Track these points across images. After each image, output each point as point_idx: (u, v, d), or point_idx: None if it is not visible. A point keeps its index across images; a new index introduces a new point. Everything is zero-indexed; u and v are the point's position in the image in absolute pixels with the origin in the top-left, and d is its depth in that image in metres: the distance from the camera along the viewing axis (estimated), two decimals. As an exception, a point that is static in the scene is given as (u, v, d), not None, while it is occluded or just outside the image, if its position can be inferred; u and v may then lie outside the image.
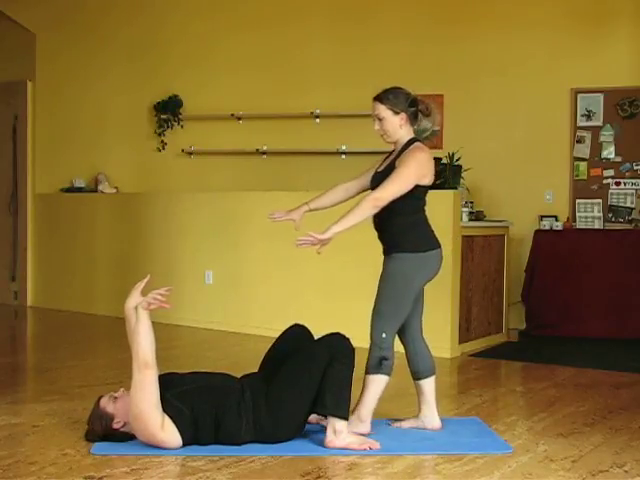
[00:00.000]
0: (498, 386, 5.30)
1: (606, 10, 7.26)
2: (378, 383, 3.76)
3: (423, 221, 3.86)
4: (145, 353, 3.45)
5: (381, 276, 3.80)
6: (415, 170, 3.67)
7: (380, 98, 3.77)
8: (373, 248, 6.38)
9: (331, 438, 3.54)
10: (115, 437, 3.55)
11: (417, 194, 3.74)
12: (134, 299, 3.64)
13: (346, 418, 3.57)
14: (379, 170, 3.87)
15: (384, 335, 3.73)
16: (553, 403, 4.52)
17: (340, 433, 3.54)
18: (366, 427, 3.76)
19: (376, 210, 3.63)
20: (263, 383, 3.61)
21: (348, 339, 3.65)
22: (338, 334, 3.67)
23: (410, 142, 3.79)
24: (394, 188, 3.63)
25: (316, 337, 3.76)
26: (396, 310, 3.76)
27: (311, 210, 4.02)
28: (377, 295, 3.79)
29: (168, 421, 3.43)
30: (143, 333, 3.49)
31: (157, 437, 3.42)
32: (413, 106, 3.77)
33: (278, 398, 3.52)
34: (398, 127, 3.77)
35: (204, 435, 3.49)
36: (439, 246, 3.86)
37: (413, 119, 3.80)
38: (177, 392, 3.50)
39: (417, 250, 3.75)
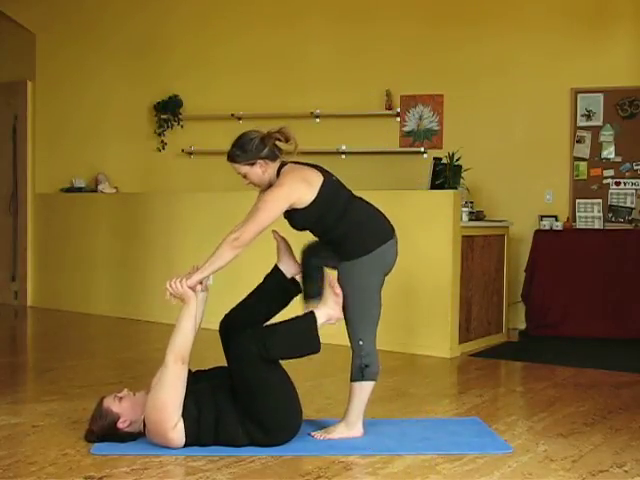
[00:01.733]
0: (498, 386, 5.30)
1: (606, 11, 7.26)
2: (363, 390, 3.72)
3: (358, 221, 3.67)
4: (187, 348, 3.46)
5: (338, 281, 3.67)
6: (271, 207, 3.50)
7: (231, 158, 3.64)
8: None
9: (334, 321, 3.59)
10: (115, 437, 3.54)
11: (314, 213, 3.58)
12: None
13: (313, 316, 3.54)
14: None
15: (361, 342, 3.68)
16: (553, 403, 4.52)
17: (330, 316, 3.56)
18: (357, 431, 3.75)
19: (238, 252, 3.46)
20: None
21: (243, 331, 3.54)
22: (238, 339, 3.53)
23: (278, 174, 3.64)
24: (253, 228, 3.48)
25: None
26: (366, 315, 3.69)
27: None
28: (343, 304, 3.69)
29: (180, 421, 3.43)
30: (191, 326, 3.50)
31: (167, 435, 3.43)
32: (265, 146, 3.61)
33: (258, 417, 3.48)
34: (262, 174, 3.64)
35: (205, 435, 3.49)
36: (391, 237, 3.73)
37: (272, 156, 3.63)
38: (189, 392, 3.49)
39: (367, 252, 3.64)
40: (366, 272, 3.67)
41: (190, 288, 3.56)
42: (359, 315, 3.69)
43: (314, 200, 3.58)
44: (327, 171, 3.74)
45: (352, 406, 3.74)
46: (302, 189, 3.57)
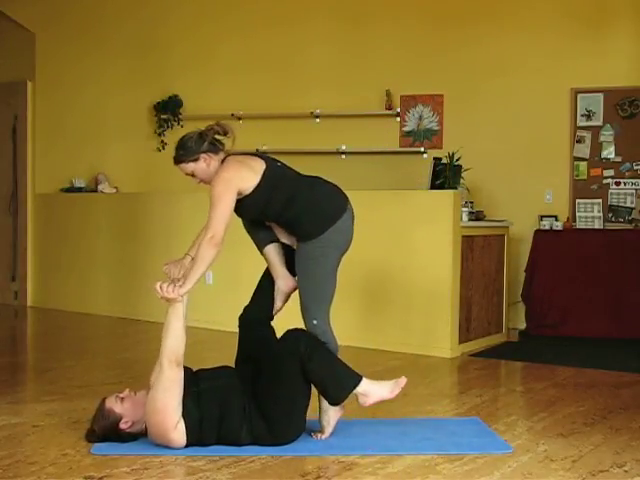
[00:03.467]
0: (498, 386, 5.30)
1: (606, 10, 7.26)
2: None
3: (310, 200, 3.71)
4: (181, 349, 3.46)
5: (296, 263, 3.74)
6: (223, 194, 3.58)
7: (177, 160, 3.77)
8: (373, 250, 6.39)
9: (363, 400, 3.59)
10: (117, 438, 3.54)
11: (262, 197, 3.64)
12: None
13: (360, 379, 3.57)
14: None
15: (315, 322, 3.69)
16: (553, 403, 4.52)
17: (368, 394, 3.57)
18: (336, 411, 3.69)
19: (219, 248, 3.53)
20: (250, 388, 3.59)
21: (303, 330, 3.64)
22: (294, 332, 3.61)
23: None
24: (219, 224, 3.55)
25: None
26: (321, 296, 3.71)
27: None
28: (298, 286, 3.75)
29: (181, 421, 3.44)
30: (181, 327, 3.48)
31: (168, 435, 3.43)
32: (204, 140, 3.70)
33: (270, 413, 3.51)
34: (207, 168, 3.73)
35: (207, 435, 3.50)
36: (345, 209, 3.76)
37: (214, 149, 3.72)
38: (191, 392, 3.50)
39: (320, 232, 3.67)
40: (323, 252, 3.69)
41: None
42: (314, 296, 3.70)
43: (259, 184, 3.64)
44: (270, 158, 3.81)
45: None
46: (244, 172, 3.66)
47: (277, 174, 3.73)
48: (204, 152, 3.71)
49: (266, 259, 3.91)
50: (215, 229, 3.54)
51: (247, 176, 3.65)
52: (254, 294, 3.96)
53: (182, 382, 3.45)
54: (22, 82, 8.84)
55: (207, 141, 3.71)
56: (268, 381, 3.54)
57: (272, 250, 3.88)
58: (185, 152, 3.74)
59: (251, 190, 3.64)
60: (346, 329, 6.42)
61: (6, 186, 8.96)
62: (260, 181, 3.64)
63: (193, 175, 3.79)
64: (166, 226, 7.62)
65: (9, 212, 8.93)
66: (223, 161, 3.74)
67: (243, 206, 3.70)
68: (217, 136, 3.75)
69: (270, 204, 3.69)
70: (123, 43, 8.74)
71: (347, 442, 3.66)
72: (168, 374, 3.42)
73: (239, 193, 3.63)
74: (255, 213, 3.76)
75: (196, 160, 3.72)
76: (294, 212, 3.70)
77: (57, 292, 8.52)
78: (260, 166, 3.70)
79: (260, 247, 3.93)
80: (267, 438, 3.52)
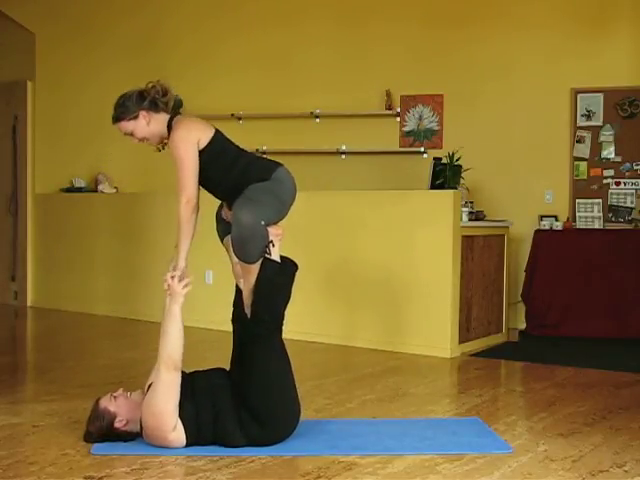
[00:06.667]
0: (498, 386, 5.30)
1: (606, 10, 7.26)
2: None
3: (248, 162, 3.77)
4: (178, 353, 3.47)
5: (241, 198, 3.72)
6: (184, 149, 3.63)
7: (116, 118, 3.72)
8: (373, 250, 6.39)
9: None
10: (116, 437, 3.54)
11: (210, 154, 3.68)
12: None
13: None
14: None
15: (263, 222, 3.60)
16: (553, 403, 4.52)
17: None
18: None
19: (195, 209, 3.67)
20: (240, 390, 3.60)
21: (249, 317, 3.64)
22: (245, 319, 3.65)
23: (169, 125, 3.73)
24: (187, 180, 3.63)
25: None
26: (271, 209, 3.65)
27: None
28: (247, 197, 3.67)
29: (179, 422, 3.44)
30: (178, 331, 3.49)
31: (167, 437, 3.43)
32: (144, 98, 3.68)
33: (257, 408, 3.51)
34: (147, 126, 3.72)
35: (204, 436, 3.50)
36: (280, 165, 3.80)
37: (154, 107, 3.70)
38: (186, 392, 3.50)
39: (264, 179, 3.70)
40: (269, 189, 3.68)
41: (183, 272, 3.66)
42: (265, 202, 3.64)
43: (208, 145, 3.66)
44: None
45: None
46: (198, 123, 3.71)
47: (224, 138, 3.77)
48: (144, 109, 3.69)
49: (226, 248, 3.97)
50: (187, 192, 3.62)
51: (202, 127, 3.70)
52: (237, 287, 3.89)
53: (179, 386, 3.46)
54: (22, 82, 8.83)
55: (148, 99, 3.70)
56: (244, 373, 3.54)
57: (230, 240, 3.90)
58: (124, 110, 3.69)
59: (207, 142, 3.66)
60: (346, 329, 6.43)
61: (6, 186, 8.96)
62: (212, 138, 3.66)
63: (132, 134, 3.75)
64: (166, 226, 7.61)
65: (9, 212, 8.93)
66: (170, 123, 3.72)
67: (203, 168, 3.71)
68: (157, 96, 3.72)
69: (218, 163, 3.71)
70: (123, 43, 8.74)
71: (347, 442, 3.66)
72: (165, 378, 3.43)
73: (198, 145, 3.65)
74: (215, 172, 3.74)
75: (136, 117, 3.69)
76: (237, 173, 3.73)
77: (57, 292, 8.52)
78: (211, 127, 3.73)
79: (221, 237, 4.06)
80: (261, 435, 3.51)
